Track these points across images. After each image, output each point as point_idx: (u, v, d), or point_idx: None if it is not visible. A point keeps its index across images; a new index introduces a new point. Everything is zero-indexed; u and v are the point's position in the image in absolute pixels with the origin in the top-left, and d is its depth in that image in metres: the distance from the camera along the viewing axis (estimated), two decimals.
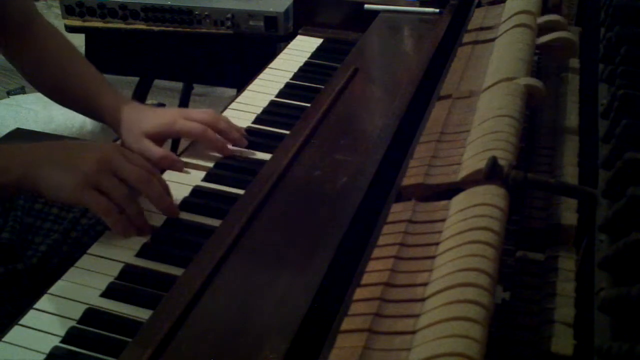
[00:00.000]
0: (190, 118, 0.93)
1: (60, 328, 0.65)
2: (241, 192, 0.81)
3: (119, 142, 2.10)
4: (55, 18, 2.35)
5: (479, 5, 1.02)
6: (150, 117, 0.94)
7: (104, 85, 0.99)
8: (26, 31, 0.99)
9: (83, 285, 0.70)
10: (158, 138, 0.93)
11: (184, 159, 0.92)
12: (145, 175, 0.78)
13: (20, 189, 0.80)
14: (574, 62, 0.83)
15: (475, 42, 0.86)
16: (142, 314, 0.66)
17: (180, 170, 0.90)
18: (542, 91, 0.68)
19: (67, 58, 1.01)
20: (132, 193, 0.77)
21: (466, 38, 0.89)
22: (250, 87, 1.11)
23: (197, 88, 2.07)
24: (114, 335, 0.65)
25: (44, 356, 0.62)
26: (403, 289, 0.47)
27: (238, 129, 0.96)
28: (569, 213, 0.56)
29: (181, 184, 0.87)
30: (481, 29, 0.89)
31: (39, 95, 2.25)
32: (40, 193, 0.76)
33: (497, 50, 0.78)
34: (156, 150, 0.91)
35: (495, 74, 0.71)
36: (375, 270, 0.49)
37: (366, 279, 0.49)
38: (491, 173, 0.53)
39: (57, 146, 0.79)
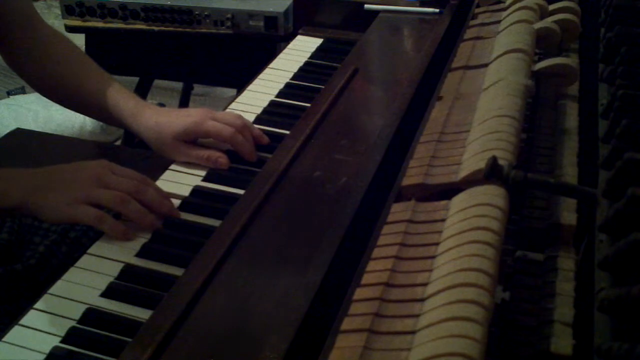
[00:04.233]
0: (218, 119, 0.92)
1: (60, 328, 0.65)
2: (241, 192, 0.81)
3: (119, 142, 2.10)
4: (55, 18, 2.35)
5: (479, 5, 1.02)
6: (175, 118, 0.92)
7: (119, 89, 0.96)
8: (29, 39, 0.98)
9: (83, 285, 0.70)
10: (187, 139, 0.91)
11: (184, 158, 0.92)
12: (138, 185, 0.78)
13: (17, 214, 0.82)
14: (574, 61, 0.83)
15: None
16: (142, 314, 0.66)
17: (224, 167, 0.90)
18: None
19: (75, 63, 1.00)
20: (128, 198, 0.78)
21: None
22: (250, 87, 1.11)
23: (197, 88, 2.07)
24: (114, 335, 0.64)
25: (44, 356, 0.62)
26: (403, 289, 0.47)
27: (263, 140, 0.94)
28: (568, 213, 0.56)
29: (181, 184, 0.87)
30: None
31: (39, 95, 2.25)
32: (38, 217, 0.78)
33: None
34: (199, 153, 0.90)
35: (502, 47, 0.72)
36: (375, 270, 0.49)
37: (366, 279, 0.49)
38: (491, 173, 0.53)
39: (51, 172, 0.80)
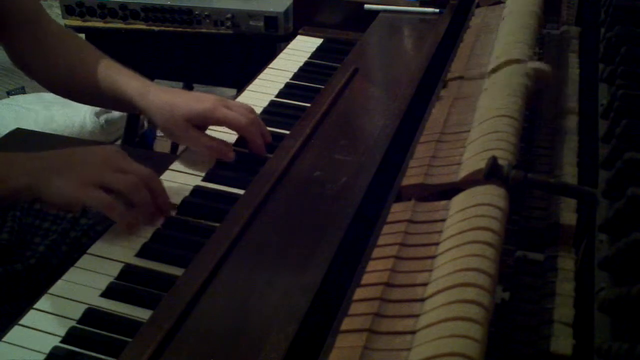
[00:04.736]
0: (231, 108, 0.90)
1: (60, 328, 0.65)
2: (241, 192, 0.81)
3: (118, 142, 2.10)
4: (55, 18, 2.35)
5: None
6: (188, 100, 0.90)
7: (125, 72, 0.94)
8: (33, 31, 0.97)
9: (83, 285, 0.70)
10: (198, 124, 0.89)
11: (184, 158, 0.92)
12: (142, 182, 0.78)
13: (20, 198, 0.81)
14: (573, 58, 0.83)
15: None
16: (142, 314, 0.66)
17: (230, 159, 0.89)
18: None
19: (79, 52, 0.99)
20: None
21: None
22: (250, 87, 1.11)
23: (197, 88, 2.07)
24: (114, 335, 0.65)
25: (44, 356, 0.62)
26: (403, 289, 0.47)
27: (268, 139, 0.93)
28: (568, 213, 0.56)
29: (181, 184, 0.87)
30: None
31: (39, 95, 2.26)
32: (43, 200, 0.76)
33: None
34: (207, 142, 0.89)
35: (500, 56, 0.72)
36: (375, 270, 0.49)
37: (366, 279, 0.49)
38: (491, 173, 0.53)
39: (58, 153, 0.78)
